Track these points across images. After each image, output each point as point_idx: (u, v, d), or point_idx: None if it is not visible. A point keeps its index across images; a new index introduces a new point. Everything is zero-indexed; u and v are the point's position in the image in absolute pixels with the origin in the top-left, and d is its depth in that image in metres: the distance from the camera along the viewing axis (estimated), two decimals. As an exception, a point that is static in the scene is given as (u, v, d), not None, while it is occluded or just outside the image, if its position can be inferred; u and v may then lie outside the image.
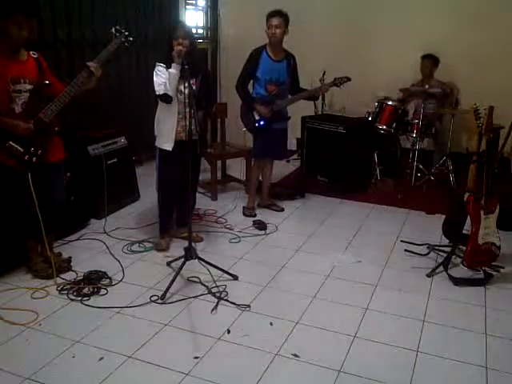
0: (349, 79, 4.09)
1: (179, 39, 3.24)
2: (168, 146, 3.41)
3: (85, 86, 2.96)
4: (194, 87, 3.27)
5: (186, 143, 3.23)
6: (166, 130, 3.42)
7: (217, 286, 3.05)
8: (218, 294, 2.97)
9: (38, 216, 2.97)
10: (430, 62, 5.34)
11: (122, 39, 3.10)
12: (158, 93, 3.31)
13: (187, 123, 3.15)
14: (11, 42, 2.78)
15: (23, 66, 2.87)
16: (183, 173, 3.26)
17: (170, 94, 3.28)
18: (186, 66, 3.08)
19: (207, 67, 3.75)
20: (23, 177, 2.87)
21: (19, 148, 2.82)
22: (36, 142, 2.86)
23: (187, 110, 3.18)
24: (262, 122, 4.07)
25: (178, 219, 3.80)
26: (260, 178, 4.48)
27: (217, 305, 2.89)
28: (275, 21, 3.93)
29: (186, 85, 3.21)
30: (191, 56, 3.22)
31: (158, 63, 3.34)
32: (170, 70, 3.25)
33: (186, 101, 3.23)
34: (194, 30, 6.50)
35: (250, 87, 4.18)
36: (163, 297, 2.91)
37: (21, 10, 2.73)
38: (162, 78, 3.28)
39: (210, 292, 3.01)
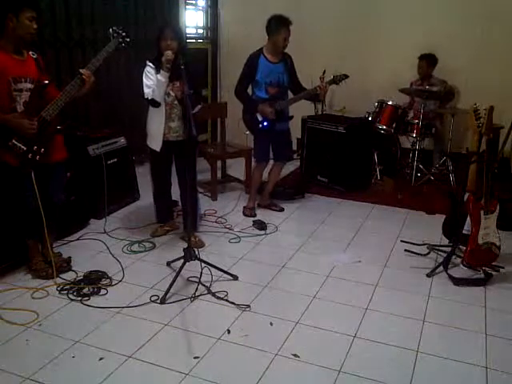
0: (347, 76, 4.10)
1: (167, 40, 3.25)
2: (156, 146, 3.50)
3: (78, 92, 2.96)
4: (189, 91, 3.25)
5: (173, 143, 3.45)
6: (154, 131, 3.50)
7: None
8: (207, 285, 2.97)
9: (40, 215, 2.97)
10: (425, 62, 5.33)
11: (120, 40, 3.10)
12: (146, 96, 3.35)
13: (173, 124, 3.35)
14: (20, 37, 2.80)
15: (24, 65, 2.89)
16: (179, 173, 3.31)
17: (157, 100, 3.33)
18: (183, 67, 3.08)
19: (198, 67, 3.73)
20: (26, 175, 2.88)
21: (22, 146, 2.82)
22: (39, 140, 2.86)
23: (173, 111, 3.37)
24: (265, 123, 4.07)
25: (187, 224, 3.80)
26: (265, 178, 4.47)
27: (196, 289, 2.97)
28: (290, 30, 3.96)
29: (177, 85, 3.26)
30: (178, 58, 3.20)
31: (148, 62, 3.36)
32: (158, 76, 3.27)
33: (175, 102, 3.36)
34: (191, 30, 6.53)
35: (248, 92, 4.17)
36: (163, 299, 2.90)
37: (27, 3, 2.78)
38: (150, 80, 3.31)
39: (209, 292, 3.02)
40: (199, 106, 3.52)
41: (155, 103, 3.36)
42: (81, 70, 2.94)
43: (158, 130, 3.46)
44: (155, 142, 3.50)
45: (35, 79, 2.89)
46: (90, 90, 3.03)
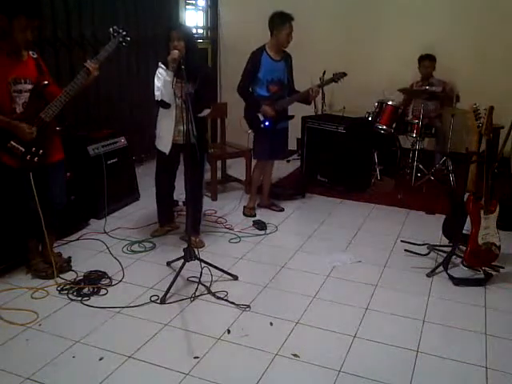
0: (345, 74, 4.12)
1: (174, 41, 3.23)
2: (165, 148, 3.49)
3: (83, 85, 2.96)
4: (190, 90, 3.24)
5: (181, 146, 3.35)
6: (164, 133, 3.49)
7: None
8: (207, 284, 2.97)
9: (39, 216, 2.97)
10: (430, 62, 5.33)
11: (120, 39, 3.10)
12: (156, 98, 3.33)
13: (182, 127, 3.18)
14: (14, 42, 2.78)
15: (24, 66, 2.88)
16: (186, 176, 3.28)
17: (166, 100, 3.31)
18: (183, 66, 3.06)
19: (207, 69, 3.65)
20: (25, 177, 2.88)
21: (21, 148, 2.82)
22: (37, 141, 2.86)
23: (183, 114, 3.20)
24: (267, 123, 4.08)
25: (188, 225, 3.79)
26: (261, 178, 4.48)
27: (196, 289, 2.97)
28: (292, 26, 3.96)
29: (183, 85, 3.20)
30: (187, 59, 3.18)
31: (160, 64, 3.34)
32: (165, 76, 3.26)
33: (183, 105, 3.22)
34: (193, 31, 6.53)
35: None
36: (163, 299, 2.91)
37: (25, 12, 2.72)
38: (161, 81, 3.29)
39: (209, 292, 3.02)
40: (208, 110, 3.47)
41: (165, 104, 3.35)
42: (85, 63, 2.93)
43: (167, 132, 3.45)
44: (164, 145, 3.48)
45: (34, 80, 2.89)
46: (91, 82, 3.01)
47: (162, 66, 3.32)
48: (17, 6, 2.71)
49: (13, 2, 2.71)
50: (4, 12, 2.70)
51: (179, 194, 3.99)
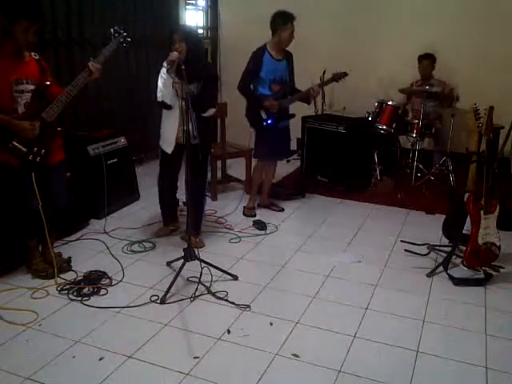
0: (346, 74, 4.14)
1: (175, 44, 3.23)
2: (168, 148, 3.49)
3: (84, 82, 2.96)
4: (193, 90, 3.23)
5: (184, 147, 3.29)
6: (167, 133, 3.48)
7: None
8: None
9: (40, 216, 2.97)
10: (429, 62, 5.33)
11: (121, 40, 3.11)
12: (157, 99, 3.32)
13: (185, 127, 3.12)
14: (16, 44, 2.78)
15: (26, 66, 2.88)
16: (187, 177, 3.27)
17: (167, 101, 3.30)
18: (183, 67, 3.06)
19: (213, 69, 3.59)
20: (26, 177, 2.88)
21: (23, 148, 2.82)
22: (39, 141, 2.86)
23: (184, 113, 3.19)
24: (269, 121, 4.07)
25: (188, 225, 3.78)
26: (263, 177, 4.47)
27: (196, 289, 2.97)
28: (294, 25, 3.96)
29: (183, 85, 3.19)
30: (187, 60, 3.17)
31: (164, 64, 3.31)
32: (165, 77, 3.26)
33: (184, 105, 3.20)
34: (196, 31, 6.52)
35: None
36: (163, 299, 2.91)
37: (26, 16, 2.70)
38: (162, 81, 3.28)
39: (209, 292, 3.02)
40: (213, 110, 3.45)
41: (166, 105, 3.34)
42: (88, 63, 2.92)
43: (171, 132, 3.44)
44: (167, 145, 3.48)
45: (36, 80, 2.89)
46: (96, 80, 3.01)
47: (166, 66, 3.32)
48: (19, 9, 2.69)
49: (15, 5, 2.70)
50: (5, 15, 2.69)
51: (180, 194, 3.99)
